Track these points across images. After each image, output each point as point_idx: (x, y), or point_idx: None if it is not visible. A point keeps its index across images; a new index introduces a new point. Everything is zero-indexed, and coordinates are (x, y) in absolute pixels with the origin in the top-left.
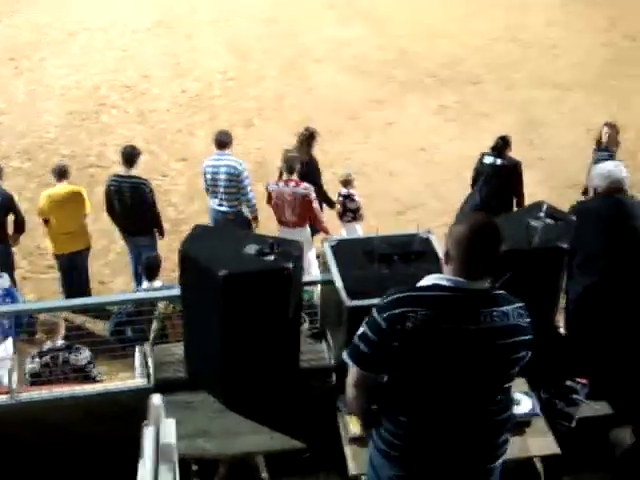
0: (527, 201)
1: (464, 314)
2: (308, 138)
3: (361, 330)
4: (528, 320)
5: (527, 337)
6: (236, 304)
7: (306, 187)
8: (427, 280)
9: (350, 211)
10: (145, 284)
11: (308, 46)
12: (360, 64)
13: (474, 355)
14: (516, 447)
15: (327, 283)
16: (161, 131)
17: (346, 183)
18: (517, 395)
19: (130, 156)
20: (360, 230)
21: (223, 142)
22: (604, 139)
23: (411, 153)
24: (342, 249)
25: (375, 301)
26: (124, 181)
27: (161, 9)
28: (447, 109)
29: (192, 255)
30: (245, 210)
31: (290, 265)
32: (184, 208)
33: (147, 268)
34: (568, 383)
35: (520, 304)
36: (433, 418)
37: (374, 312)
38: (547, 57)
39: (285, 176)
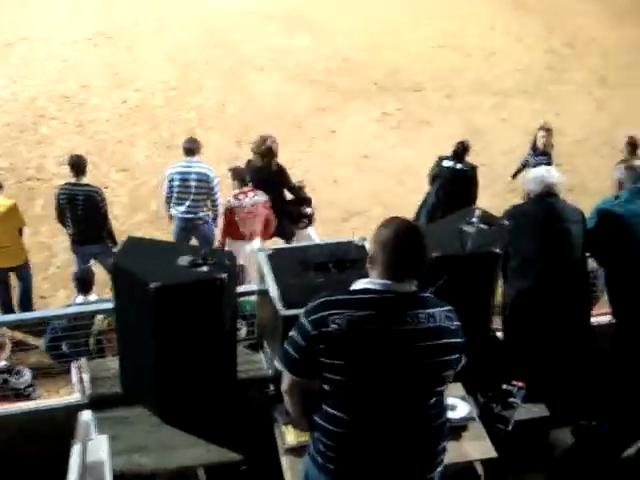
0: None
1: (389, 315)
2: (268, 149)
3: (290, 335)
4: (458, 324)
5: (457, 340)
6: (169, 316)
7: (262, 193)
8: (356, 285)
9: (305, 217)
10: (80, 298)
11: (250, 56)
12: (303, 73)
13: (400, 356)
14: (453, 452)
15: (263, 293)
16: (101, 142)
17: (300, 189)
18: (453, 400)
19: (78, 165)
20: (315, 234)
21: (192, 149)
22: (539, 143)
23: (354, 160)
24: (278, 258)
25: (314, 306)
26: (76, 190)
27: (102, 20)
28: (389, 116)
29: (124, 267)
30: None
31: (223, 275)
32: (125, 220)
33: (81, 281)
34: (505, 386)
35: (448, 307)
36: (366, 427)
37: (301, 316)
38: (487, 64)
39: (241, 188)
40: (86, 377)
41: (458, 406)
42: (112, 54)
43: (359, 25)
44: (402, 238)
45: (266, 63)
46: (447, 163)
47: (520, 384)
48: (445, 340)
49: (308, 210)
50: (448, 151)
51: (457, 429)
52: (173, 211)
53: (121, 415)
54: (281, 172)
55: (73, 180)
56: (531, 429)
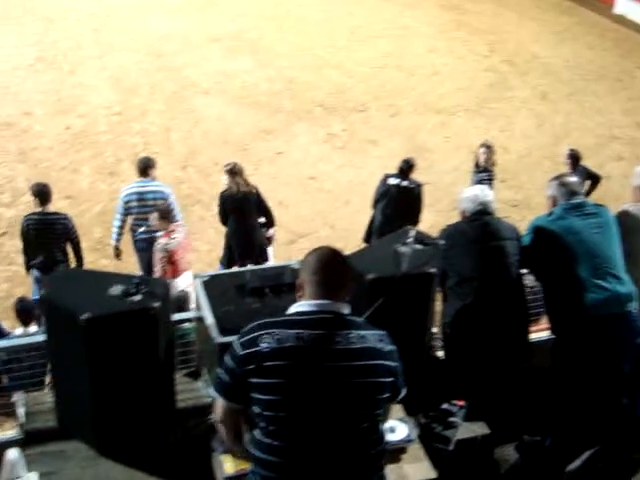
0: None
1: (319, 334)
2: (233, 169)
3: (223, 360)
4: (391, 347)
5: (389, 363)
6: (102, 348)
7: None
8: (291, 308)
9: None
10: (20, 330)
11: (194, 79)
12: (248, 95)
13: (329, 375)
14: (393, 475)
15: (199, 320)
16: (44, 169)
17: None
18: (392, 422)
19: (43, 194)
20: (271, 256)
21: (146, 168)
22: (481, 160)
23: (301, 182)
24: (214, 284)
25: (247, 330)
26: (46, 219)
27: (44, 45)
28: (335, 137)
29: (54, 299)
30: None
31: (156, 304)
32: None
33: (21, 313)
34: (445, 406)
35: (381, 331)
36: (301, 453)
37: (234, 341)
38: (430, 83)
39: (166, 227)
40: (21, 411)
41: (397, 428)
42: (54, 79)
43: (302, 46)
44: (326, 261)
45: (210, 86)
46: (393, 181)
47: (461, 403)
48: (376, 361)
49: (270, 231)
50: (394, 169)
51: (396, 451)
52: (134, 233)
53: (57, 449)
54: (259, 195)
55: (39, 209)
56: (473, 447)
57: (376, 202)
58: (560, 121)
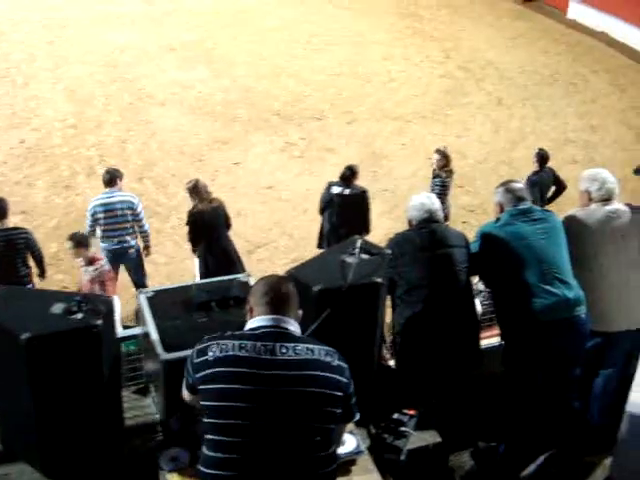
0: (371, 233)
1: (263, 345)
2: (196, 187)
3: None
4: (340, 363)
5: (338, 377)
6: (44, 367)
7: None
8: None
9: None
10: None
11: (150, 90)
12: (204, 106)
13: (271, 383)
14: None
15: (145, 336)
16: None
17: None
18: None
19: (1, 209)
20: None
21: (112, 179)
22: (434, 166)
23: (258, 192)
24: (159, 300)
25: (197, 346)
26: (6, 235)
27: None
28: (292, 146)
29: None
30: (139, 242)
31: (99, 322)
32: None
33: None
34: (396, 416)
35: (329, 348)
36: (245, 464)
37: (193, 349)
38: (387, 90)
39: (84, 254)
40: None
41: (346, 440)
42: (7, 93)
43: (259, 55)
44: (272, 285)
45: (166, 97)
46: (336, 189)
47: (412, 412)
48: (323, 373)
49: None
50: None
51: (345, 464)
52: (102, 244)
53: (1, 473)
54: (224, 208)
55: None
56: (425, 456)
57: (322, 210)
58: (516, 126)
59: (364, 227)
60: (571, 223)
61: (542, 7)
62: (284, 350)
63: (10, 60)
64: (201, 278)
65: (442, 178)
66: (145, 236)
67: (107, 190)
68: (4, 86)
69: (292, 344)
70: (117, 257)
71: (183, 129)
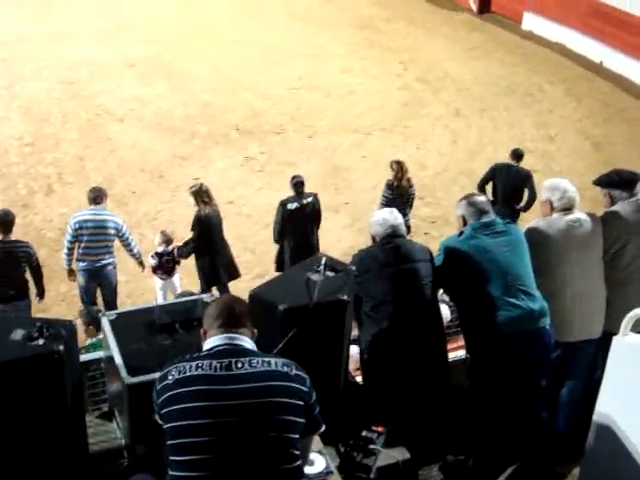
0: (335, 246)
1: (219, 362)
2: (200, 190)
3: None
4: (299, 373)
5: (297, 386)
6: (5, 394)
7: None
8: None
9: (165, 268)
10: None
11: (107, 107)
12: (163, 121)
13: (229, 398)
14: None
15: (108, 360)
16: None
17: (169, 242)
18: (310, 455)
19: (5, 222)
20: (178, 282)
21: (98, 197)
22: (391, 178)
23: (220, 207)
24: (122, 322)
25: (157, 375)
26: (8, 247)
27: None
28: (253, 160)
29: None
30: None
31: (61, 347)
32: None
33: None
34: (365, 433)
35: (286, 360)
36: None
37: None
38: (346, 103)
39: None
40: None
41: (315, 460)
42: None
43: (217, 68)
44: (224, 305)
45: (125, 113)
46: (292, 205)
47: (380, 429)
48: (281, 383)
49: (169, 263)
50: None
51: None
52: (80, 263)
53: None
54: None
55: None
56: (395, 473)
57: (281, 233)
58: (474, 137)
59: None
60: (533, 234)
61: (497, 19)
62: (239, 365)
63: None
64: (207, 282)
65: (392, 190)
66: (137, 257)
67: (92, 207)
68: None
69: (247, 358)
70: (94, 276)
71: (142, 145)
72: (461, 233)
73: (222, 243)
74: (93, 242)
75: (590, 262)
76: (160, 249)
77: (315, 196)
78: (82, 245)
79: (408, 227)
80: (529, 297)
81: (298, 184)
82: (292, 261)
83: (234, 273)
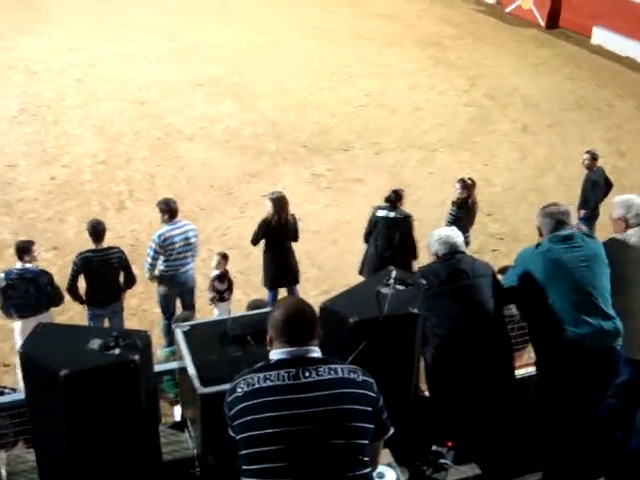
0: None
1: (287, 372)
2: (278, 199)
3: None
4: (366, 379)
5: (365, 392)
6: (82, 403)
7: None
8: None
9: (218, 292)
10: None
11: (177, 125)
12: (231, 139)
13: (298, 407)
14: None
15: (182, 371)
16: (30, 221)
17: (218, 264)
18: (381, 468)
19: (97, 231)
20: (226, 310)
21: (176, 210)
22: (455, 195)
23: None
24: (196, 334)
25: (228, 386)
26: (103, 255)
27: (26, 97)
28: (320, 177)
29: (32, 356)
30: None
31: (136, 357)
32: None
33: None
34: (434, 448)
35: (352, 366)
36: None
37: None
38: (412, 120)
39: None
40: (3, 471)
41: (386, 473)
42: (38, 131)
43: (284, 88)
44: (289, 313)
45: (194, 132)
46: (381, 212)
47: (449, 444)
48: (348, 389)
49: (221, 286)
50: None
51: None
52: (171, 271)
53: None
54: (295, 222)
55: (93, 246)
56: None
57: (367, 235)
58: (543, 153)
59: (412, 253)
60: (611, 247)
61: (565, 33)
62: (307, 374)
63: (41, 99)
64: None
65: (458, 208)
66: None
67: (172, 221)
68: (35, 124)
69: (314, 367)
70: (179, 284)
71: (212, 163)
72: (538, 245)
73: (279, 250)
74: (183, 252)
75: None
76: (217, 272)
77: (408, 217)
78: (171, 257)
79: (467, 243)
80: (603, 315)
81: (390, 194)
82: (368, 266)
83: (285, 279)
